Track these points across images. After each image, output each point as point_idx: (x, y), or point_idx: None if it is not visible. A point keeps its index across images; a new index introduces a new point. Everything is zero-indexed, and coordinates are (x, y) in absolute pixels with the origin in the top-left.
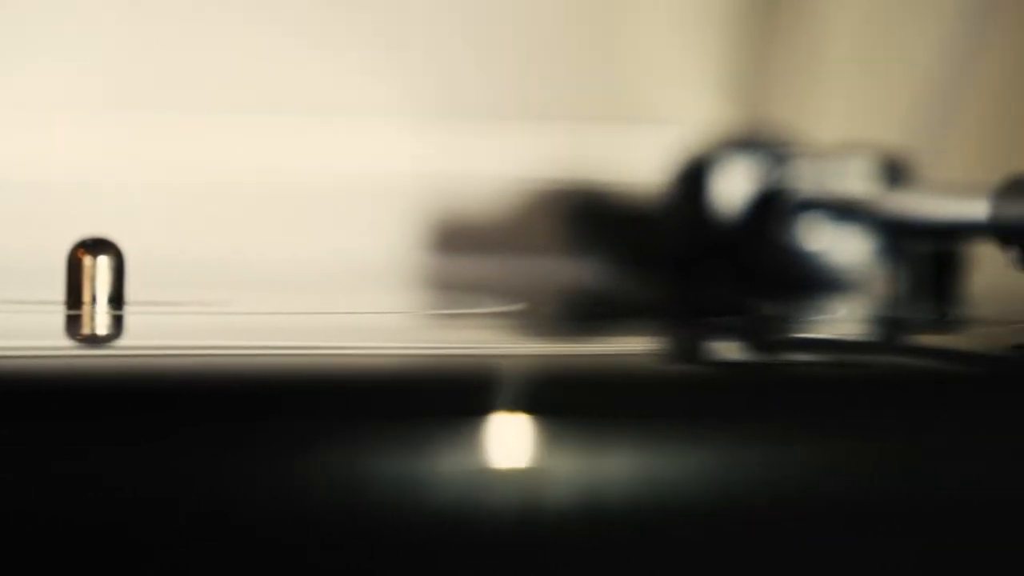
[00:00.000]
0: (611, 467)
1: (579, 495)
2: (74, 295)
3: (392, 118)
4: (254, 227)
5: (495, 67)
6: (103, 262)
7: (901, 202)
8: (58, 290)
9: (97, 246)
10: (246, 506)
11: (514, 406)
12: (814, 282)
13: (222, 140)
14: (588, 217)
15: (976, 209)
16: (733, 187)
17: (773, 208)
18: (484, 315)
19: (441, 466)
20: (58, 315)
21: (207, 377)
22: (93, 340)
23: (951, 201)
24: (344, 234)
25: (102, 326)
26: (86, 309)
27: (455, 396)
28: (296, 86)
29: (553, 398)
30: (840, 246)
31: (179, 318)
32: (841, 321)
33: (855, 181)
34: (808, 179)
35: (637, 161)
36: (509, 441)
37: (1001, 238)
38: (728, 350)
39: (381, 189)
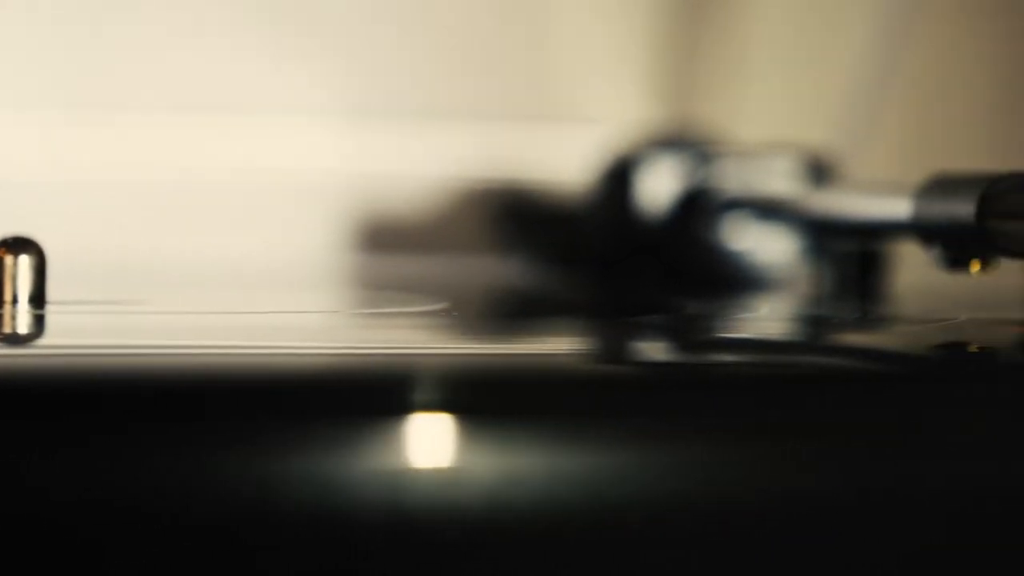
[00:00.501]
0: (535, 467)
1: (502, 495)
2: None
3: (319, 116)
4: (179, 225)
5: (421, 65)
6: (24, 261)
7: (825, 201)
8: None
9: (18, 245)
10: (167, 505)
11: (436, 405)
12: (739, 281)
13: (146, 138)
14: (514, 216)
15: (899, 208)
16: (659, 186)
17: (698, 207)
18: (408, 314)
19: (364, 465)
20: None
21: (129, 377)
22: (14, 339)
23: (874, 200)
24: (270, 233)
25: (23, 325)
26: (7, 308)
27: (377, 395)
28: (221, 84)
29: (475, 397)
30: (765, 245)
31: (101, 317)
32: (765, 320)
33: (780, 180)
34: (733, 178)
35: (563, 160)
36: (431, 441)
37: (923, 237)
38: (653, 349)
39: (308, 188)
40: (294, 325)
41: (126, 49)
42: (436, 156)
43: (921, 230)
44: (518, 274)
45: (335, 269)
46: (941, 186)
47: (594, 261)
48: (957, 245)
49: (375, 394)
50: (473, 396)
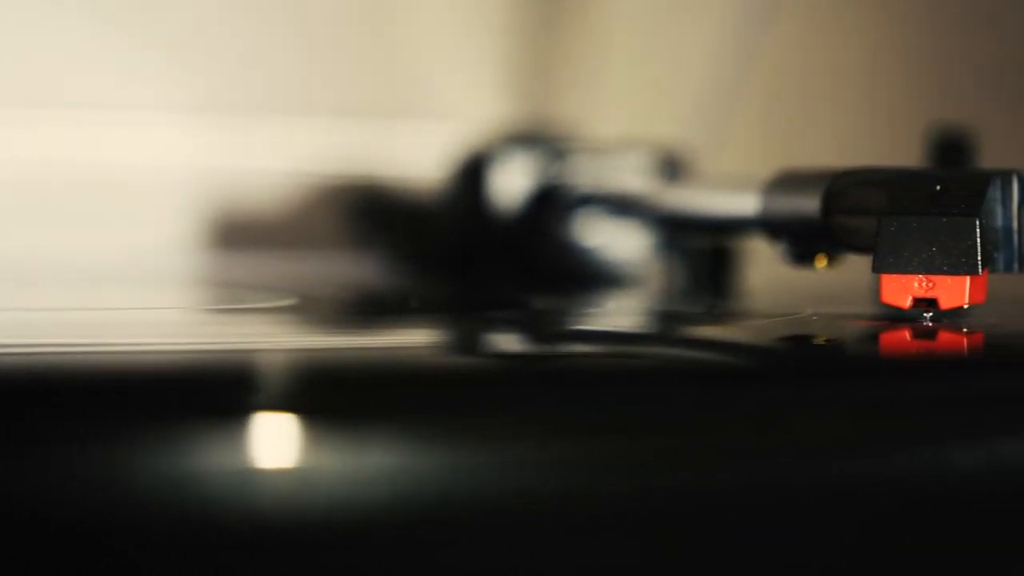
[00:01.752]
0: (384, 462)
1: (349, 491)
2: None
3: (172, 113)
4: (28, 222)
5: (276, 62)
6: None
7: (677, 197)
8: None
9: None
10: (5, 504)
11: (283, 401)
12: (592, 276)
13: None
14: (369, 212)
15: (747, 204)
16: (512, 182)
17: (552, 203)
18: (256, 311)
19: (210, 462)
20: None
21: None
22: None
23: (724, 196)
24: (121, 229)
25: None
26: None
27: (219, 392)
28: (72, 79)
29: (323, 393)
30: (618, 241)
31: None
32: (617, 315)
33: (632, 176)
34: (586, 174)
35: (418, 156)
36: (279, 436)
37: (770, 233)
38: (504, 344)
39: (160, 184)
40: (140, 321)
41: None
42: (290, 152)
43: (768, 226)
44: (373, 270)
45: (187, 266)
46: (787, 182)
47: (448, 257)
48: (803, 240)
49: (216, 390)
50: (321, 392)
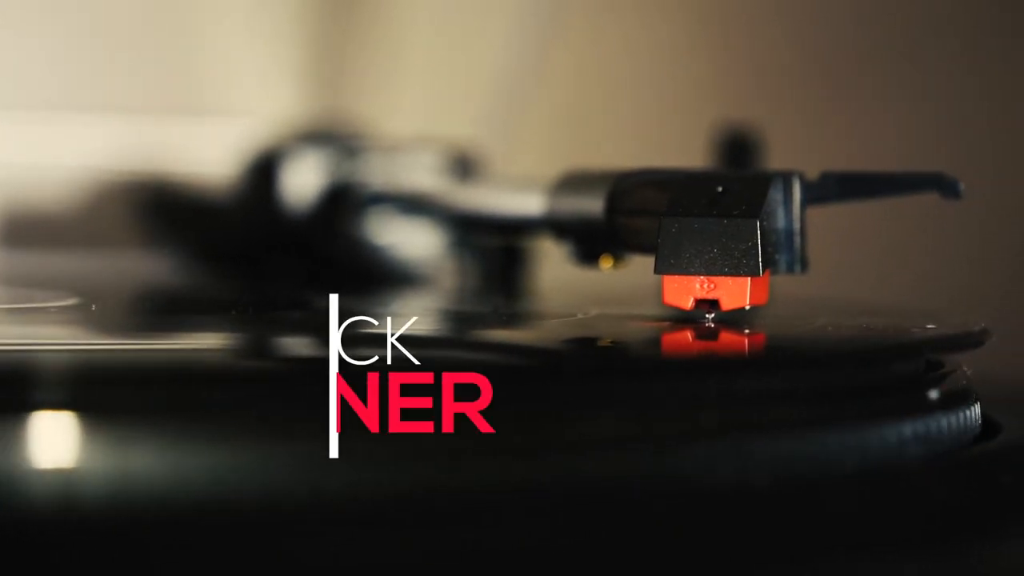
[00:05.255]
0: (167, 464)
1: (124, 494)
2: None
3: None
4: None
5: (66, 56)
6: None
7: (468, 196)
8: None
9: None
10: None
11: (63, 402)
12: (385, 275)
13: None
14: (160, 210)
15: (535, 204)
16: (304, 180)
17: (344, 201)
18: (37, 310)
19: None
20: None
21: None
22: None
23: (513, 196)
24: None
25: None
26: None
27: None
28: None
29: (105, 394)
30: (410, 240)
31: None
32: (407, 315)
33: (424, 175)
34: (379, 173)
35: (210, 153)
36: (48, 439)
37: (557, 232)
38: (292, 345)
39: None
40: None
41: None
42: (81, 149)
43: (554, 226)
44: (165, 269)
45: None
46: (573, 182)
47: (239, 255)
48: (588, 241)
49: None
50: (103, 392)
